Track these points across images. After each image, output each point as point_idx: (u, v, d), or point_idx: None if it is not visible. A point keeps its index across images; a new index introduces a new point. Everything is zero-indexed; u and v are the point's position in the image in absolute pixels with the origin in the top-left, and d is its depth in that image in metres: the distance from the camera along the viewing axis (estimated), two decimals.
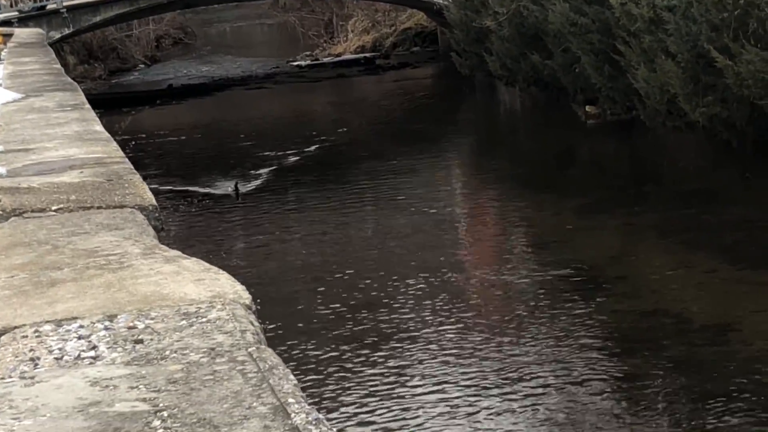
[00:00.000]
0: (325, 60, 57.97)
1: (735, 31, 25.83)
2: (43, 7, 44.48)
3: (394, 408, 15.23)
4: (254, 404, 4.06)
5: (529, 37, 37.20)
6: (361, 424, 14.39)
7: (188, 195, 29.12)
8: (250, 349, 4.59)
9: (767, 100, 25.02)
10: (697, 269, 20.72)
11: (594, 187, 29.53)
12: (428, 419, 15.00)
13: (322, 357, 17.09)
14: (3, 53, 27.96)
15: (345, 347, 17.62)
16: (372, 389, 15.84)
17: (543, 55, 36.29)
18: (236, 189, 31.47)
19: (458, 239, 27.94)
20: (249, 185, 31.52)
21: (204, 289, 5.43)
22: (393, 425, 14.98)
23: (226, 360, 4.49)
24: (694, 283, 19.84)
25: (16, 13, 43.48)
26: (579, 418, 15.07)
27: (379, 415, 15.13)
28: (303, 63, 57.87)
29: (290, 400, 4.07)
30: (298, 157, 35.67)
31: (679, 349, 16.56)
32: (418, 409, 15.29)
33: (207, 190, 30.89)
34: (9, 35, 33.84)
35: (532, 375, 16.37)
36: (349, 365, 17.14)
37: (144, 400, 4.15)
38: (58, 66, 26.19)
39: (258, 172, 33.31)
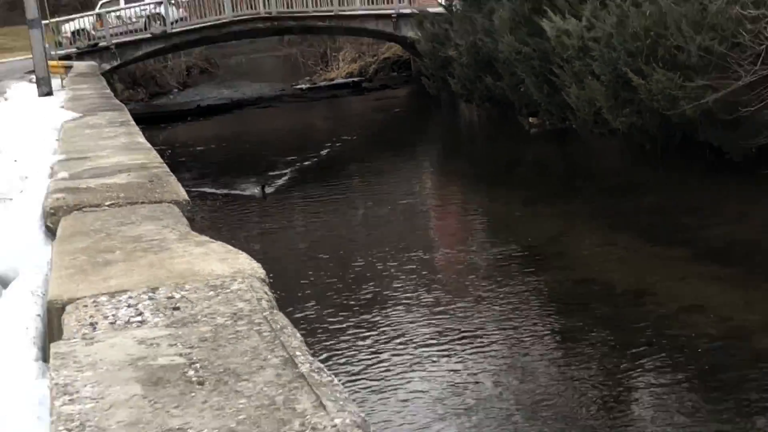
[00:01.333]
0: (321, 84, 58.51)
1: (647, 56, 26.47)
2: (96, 45, 45.01)
3: (376, 353, 15.27)
4: (269, 357, 4.39)
5: (483, 63, 37.78)
6: (352, 365, 14.41)
7: (214, 192, 29.56)
8: (264, 314, 4.90)
9: (673, 111, 25.61)
10: (619, 246, 21.39)
11: (536, 182, 30.30)
12: (401, 360, 15.02)
13: (322, 317, 17.17)
14: (64, 81, 28.54)
15: (339, 308, 17.73)
16: (360, 338, 15.80)
17: (494, 77, 37.01)
18: (263, 190, 30.64)
19: (428, 223, 29.00)
20: (267, 185, 31.16)
21: (227, 267, 5.70)
22: (375, 365, 15.05)
23: (246, 322, 4.77)
24: (616, 257, 20.42)
25: (75, 49, 44.01)
26: (521, 361, 15.42)
27: (366, 358, 14.99)
28: (304, 86, 58.49)
29: (297, 353, 4.41)
30: (301, 162, 36.07)
31: (604, 310, 17.16)
32: (393, 353, 15.48)
33: (230, 190, 31.40)
34: (69, 67, 34.20)
35: (485, 326, 16.85)
36: (343, 322, 17.17)
37: (181, 355, 4.41)
38: (108, 91, 26.28)
39: (270, 173, 33.82)
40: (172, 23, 45.29)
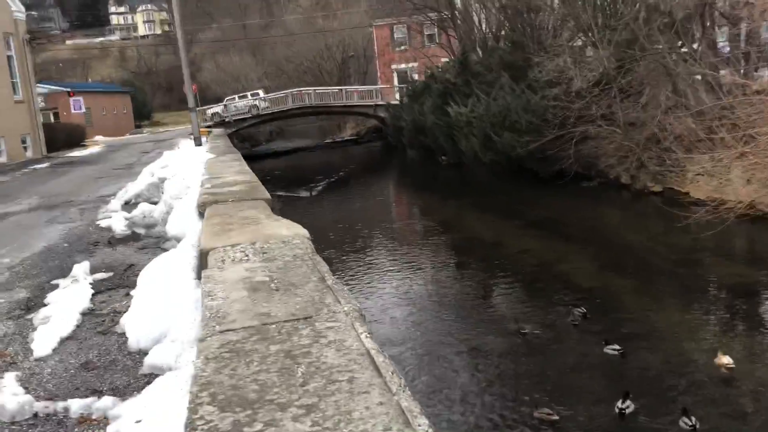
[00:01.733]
0: (337, 139, 60.97)
1: (500, 124, 27.92)
2: (223, 120, 49.19)
3: (366, 272, 16.38)
4: (311, 277, 5.21)
5: (419, 129, 39.22)
6: (353, 280, 15.21)
7: (284, 194, 31.12)
8: (310, 255, 5.52)
9: (513, 153, 27.08)
10: (485, 220, 22.39)
11: (445, 189, 31.71)
12: (378, 275, 16.43)
13: (338, 256, 18.19)
14: (208, 139, 30.80)
15: (347, 251, 19.09)
16: (358, 265, 16.73)
17: (424, 137, 38.38)
18: (311, 192, 33.45)
19: (390, 209, 30.94)
20: (310, 191, 34.33)
21: (290, 231, 6.30)
22: (366, 278, 16.15)
23: (300, 259, 5.37)
24: (484, 226, 21.44)
25: (212, 122, 48.22)
26: (437, 272, 16.98)
27: (361, 275, 15.99)
28: (329, 140, 61.15)
29: (326, 275, 5.16)
30: (329, 178, 38.67)
31: (478, 251, 18.78)
32: (375, 271, 16.82)
33: (293, 193, 33.16)
34: (210, 131, 38.47)
35: (420, 257, 18.28)
36: (348, 257, 18.49)
37: (267, 277, 4.99)
38: (230, 144, 29.20)
39: (311, 186, 35.94)
40: (261, 110, 50.97)
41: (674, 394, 9.44)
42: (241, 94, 54.85)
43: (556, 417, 8.90)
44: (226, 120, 49.87)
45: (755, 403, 9.06)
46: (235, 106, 51.57)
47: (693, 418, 8.39)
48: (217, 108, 51.67)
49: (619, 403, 9.05)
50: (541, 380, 10.43)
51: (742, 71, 21.05)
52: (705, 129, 19.73)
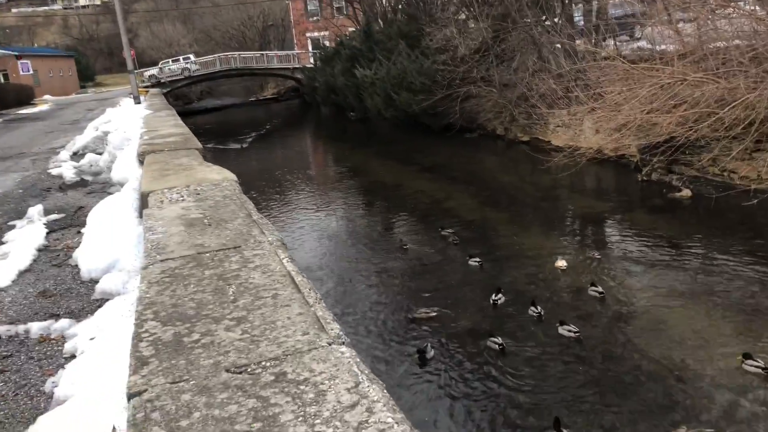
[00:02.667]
0: (261, 98, 59.01)
1: (399, 84, 27.80)
2: (158, 81, 47.47)
3: (288, 208, 15.29)
4: (240, 213, 5.16)
5: (331, 89, 38.63)
6: (278, 214, 14.09)
7: (215, 146, 30.06)
8: (237, 195, 5.35)
9: (410, 109, 27.13)
10: (387, 166, 22.15)
11: (353, 140, 31.73)
12: (298, 211, 15.30)
13: (263, 195, 15.12)
14: (145, 97, 29.42)
15: (270, 191, 17.50)
16: (281, 203, 15.91)
17: (335, 95, 37.81)
18: (242, 144, 31.33)
19: (308, 156, 29.95)
20: (239, 143, 32.52)
21: (221, 176, 6.10)
22: (289, 213, 15.67)
23: (229, 199, 5.22)
24: (386, 170, 20.96)
25: (150, 83, 46.22)
26: (350, 207, 15.75)
27: (284, 210, 15.14)
28: (252, 99, 59.39)
29: (252, 212, 5.04)
30: (257, 131, 37.37)
31: (381, 191, 18.61)
32: (296, 208, 15.36)
33: (223, 145, 31.61)
34: (147, 91, 37.16)
35: (335, 194, 17.06)
36: (272, 197, 17.04)
37: (201, 214, 4.84)
38: (165, 102, 27.66)
39: (239, 138, 34.47)
40: (193, 72, 49.21)
41: (527, 290, 10.38)
42: (174, 58, 52.37)
43: (433, 314, 9.53)
44: (162, 81, 48.03)
45: (580, 293, 10.28)
46: (169, 69, 49.54)
47: (539, 307, 9.38)
48: (154, 70, 49.55)
49: (492, 296, 9.87)
50: (423, 287, 10.92)
51: (593, 41, 21.60)
52: (563, 89, 20.23)
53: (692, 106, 14.03)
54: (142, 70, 48.01)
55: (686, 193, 15.04)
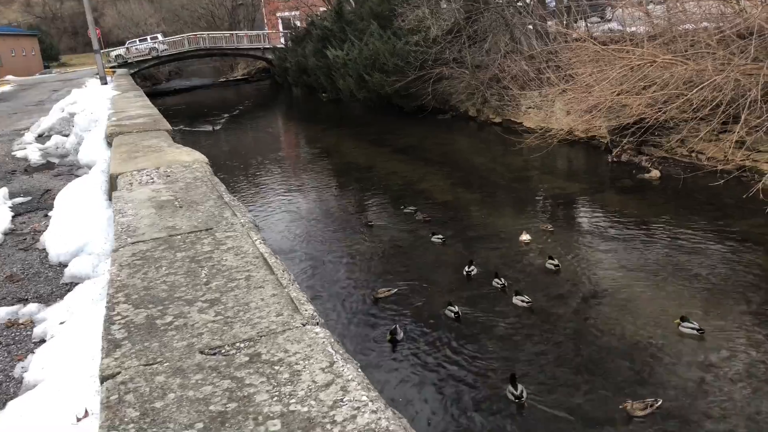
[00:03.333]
0: (231, 79, 58.40)
1: (371, 65, 27.65)
2: (126, 62, 46.82)
3: (261, 189, 14.91)
4: (211, 195, 5.14)
5: (302, 70, 38.12)
6: (251, 195, 14.10)
7: (187, 129, 29.51)
8: (209, 177, 5.28)
9: (382, 91, 27.06)
10: (360, 147, 21.98)
11: (326, 121, 31.20)
12: (273, 191, 14.81)
13: (235, 177, 15.33)
14: (112, 78, 28.69)
15: (242, 172, 17.30)
16: (254, 183, 15.38)
17: (307, 76, 37.51)
18: (213, 127, 30.71)
19: (280, 137, 29.45)
20: (211, 124, 31.76)
21: (190, 157, 6.01)
22: (261, 194, 14.42)
23: (200, 181, 5.15)
24: (359, 152, 20.73)
25: (116, 63, 45.60)
26: (323, 186, 15.17)
27: (257, 190, 14.34)
28: (222, 80, 58.58)
29: (224, 194, 5.06)
30: (222, 114, 36.46)
31: (354, 173, 17.82)
32: (270, 188, 15.04)
33: (192, 127, 30.94)
34: (114, 71, 35.97)
35: (307, 175, 16.61)
36: (245, 177, 16.62)
37: (172, 196, 4.77)
38: (133, 83, 27.11)
39: (210, 119, 33.99)
40: (161, 52, 48.54)
41: (493, 263, 10.88)
42: (141, 38, 51.45)
43: (392, 291, 9.79)
44: (129, 61, 47.33)
45: (540, 260, 10.90)
46: (136, 48, 48.78)
47: (503, 279, 9.90)
48: (121, 50, 48.81)
49: (466, 267, 10.29)
50: (390, 266, 11.14)
51: (564, 22, 21.70)
52: (535, 70, 20.33)
53: (661, 87, 14.21)
54: (108, 50, 47.04)
55: (655, 173, 15.28)
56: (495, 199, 14.96)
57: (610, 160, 16.91)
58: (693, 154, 15.09)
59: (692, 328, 7.99)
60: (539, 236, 11.91)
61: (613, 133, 16.79)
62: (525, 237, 11.70)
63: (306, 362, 2.28)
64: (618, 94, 14.87)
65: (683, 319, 8.11)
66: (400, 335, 8.41)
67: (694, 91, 13.34)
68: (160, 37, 51.09)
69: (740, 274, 9.53)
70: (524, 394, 6.92)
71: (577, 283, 9.80)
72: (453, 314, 8.88)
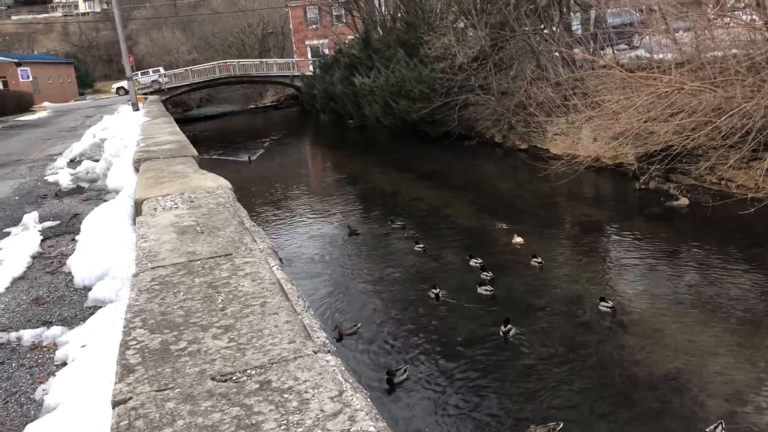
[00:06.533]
0: (260, 105, 58.60)
1: (397, 92, 27.87)
2: (160, 88, 47.08)
3: (284, 222, 15.16)
4: (232, 221, 5.16)
5: (329, 96, 38.63)
6: (271, 221, 13.57)
7: (221, 156, 30.09)
8: (231, 203, 5.30)
9: (408, 117, 27.22)
10: (386, 174, 22.21)
11: (352, 147, 31.66)
12: (297, 217, 14.98)
13: (260, 204, 16.22)
14: (144, 104, 28.69)
15: (265, 200, 17.73)
16: (278, 209, 15.69)
17: (334, 103, 37.76)
18: (250, 158, 29.21)
19: (309, 163, 29.74)
20: (250, 153, 30.82)
21: (215, 183, 6.09)
22: (284, 221, 14.85)
23: (223, 206, 5.18)
24: (385, 178, 21.07)
25: (149, 90, 46.00)
26: (349, 206, 15.06)
27: (279, 217, 14.77)
28: (252, 106, 58.77)
29: (245, 219, 5.10)
30: (251, 140, 36.75)
31: (379, 198, 18.03)
32: (293, 215, 15.21)
33: (222, 156, 30.99)
34: (146, 97, 35.67)
35: (337, 201, 16.75)
36: (266, 205, 16.94)
37: (194, 222, 4.80)
38: (163, 109, 26.88)
39: (238, 146, 34.27)
40: (163, 84, 48.35)
41: (486, 261, 11.95)
42: (143, 71, 52.49)
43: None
44: (161, 89, 48.21)
45: (526, 257, 12.21)
46: (139, 81, 49.06)
47: (490, 273, 11.28)
48: (123, 83, 48.92)
49: (502, 327, 9.39)
50: (407, 292, 10.79)
51: (591, 49, 21.66)
52: (561, 97, 20.29)
53: (689, 114, 14.07)
54: (140, 76, 48.09)
55: (683, 201, 15.07)
56: (521, 225, 14.85)
57: (637, 187, 16.71)
58: (722, 182, 14.86)
59: (607, 306, 9.31)
60: (566, 262, 11.79)
61: (640, 160, 16.62)
62: (518, 239, 12.99)
63: (315, 390, 2.28)
64: (645, 121, 14.75)
65: (602, 299, 9.47)
66: (401, 377, 8.05)
67: (723, 118, 13.18)
68: (162, 70, 52.15)
69: None
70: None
71: (604, 311, 9.64)
72: (433, 295, 10.56)
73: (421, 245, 13.31)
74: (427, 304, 10.64)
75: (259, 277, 3.57)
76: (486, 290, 10.69)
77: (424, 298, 10.92)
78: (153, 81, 48.95)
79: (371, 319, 10.18)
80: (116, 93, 46.42)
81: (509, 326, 9.29)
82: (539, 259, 11.74)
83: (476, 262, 11.91)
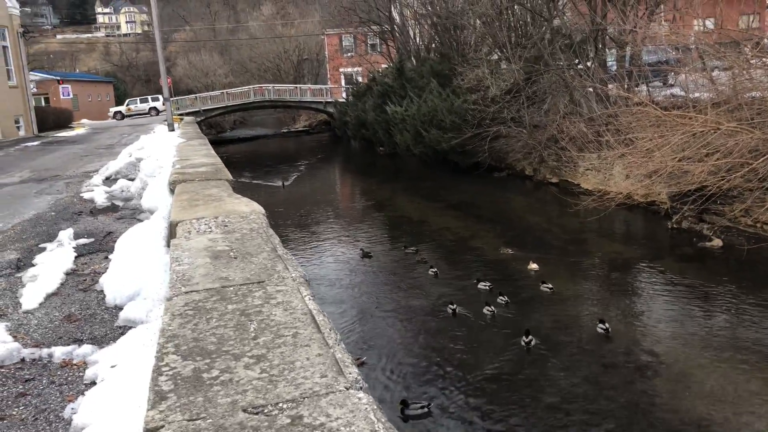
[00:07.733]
0: (292, 130, 59.69)
1: (429, 122, 27.99)
2: (197, 111, 48.19)
3: (314, 248, 15.33)
4: (265, 247, 5.17)
5: (361, 124, 39.01)
6: (304, 248, 13.75)
7: (255, 180, 30.44)
8: (264, 228, 5.32)
9: (438, 147, 27.24)
10: (414, 202, 21.90)
11: (382, 174, 31.75)
12: (326, 252, 15.09)
13: (292, 230, 15.44)
14: (179, 125, 28.90)
15: (298, 228, 17.90)
16: (308, 236, 15.84)
17: (366, 130, 38.13)
18: (284, 183, 29.34)
19: (338, 189, 29.79)
20: (284, 179, 30.78)
21: (249, 208, 6.11)
22: (315, 247, 14.88)
23: (256, 232, 5.19)
24: (413, 206, 20.88)
25: (185, 111, 46.80)
26: (376, 226, 15.37)
27: (310, 243, 14.93)
28: (284, 130, 59.93)
29: (277, 246, 5.15)
30: (283, 164, 37.13)
31: (407, 226, 17.46)
32: (325, 249, 15.50)
33: (255, 180, 31.37)
34: (182, 118, 36.05)
35: (364, 227, 17.17)
36: (298, 230, 17.03)
37: (227, 246, 4.83)
38: (198, 130, 27.17)
39: (269, 170, 34.59)
40: (160, 112, 48.62)
41: (501, 286, 12.14)
42: (141, 97, 54.08)
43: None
44: (197, 111, 49.24)
45: (534, 280, 12.96)
46: (135, 107, 51.49)
47: (505, 297, 11.92)
48: (121, 108, 52.02)
49: (523, 338, 10.15)
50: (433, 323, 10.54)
51: (625, 86, 21.56)
52: (594, 132, 20.16)
53: (725, 155, 13.87)
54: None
55: (717, 242, 14.78)
56: (549, 260, 14.69)
57: (669, 226, 16.45)
58: (758, 225, 14.57)
59: (603, 329, 9.79)
60: (595, 300, 11.62)
61: (673, 199, 16.38)
62: (534, 266, 13.49)
63: (347, 429, 2.24)
64: (679, 161, 14.57)
65: (601, 321, 9.90)
66: (416, 411, 7.95)
67: (760, 160, 12.97)
68: (160, 97, 53.10)
69: None
70: None
71: (631, 352, 9.43)
72: (451, 311, 11.28)
73: (434, 270, 13.92)
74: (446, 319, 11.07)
75: (291, 306, 3.55)
76: (488, 310, 11.36)
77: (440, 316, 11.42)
78: (151, 108, 50.59)
79: (391, 344, 10.08)
80: (113, 117, 47.45)
81: (530, 337, 10.10)
82: (549, 285, 12.28)
83: (485, 286, 12.53)
